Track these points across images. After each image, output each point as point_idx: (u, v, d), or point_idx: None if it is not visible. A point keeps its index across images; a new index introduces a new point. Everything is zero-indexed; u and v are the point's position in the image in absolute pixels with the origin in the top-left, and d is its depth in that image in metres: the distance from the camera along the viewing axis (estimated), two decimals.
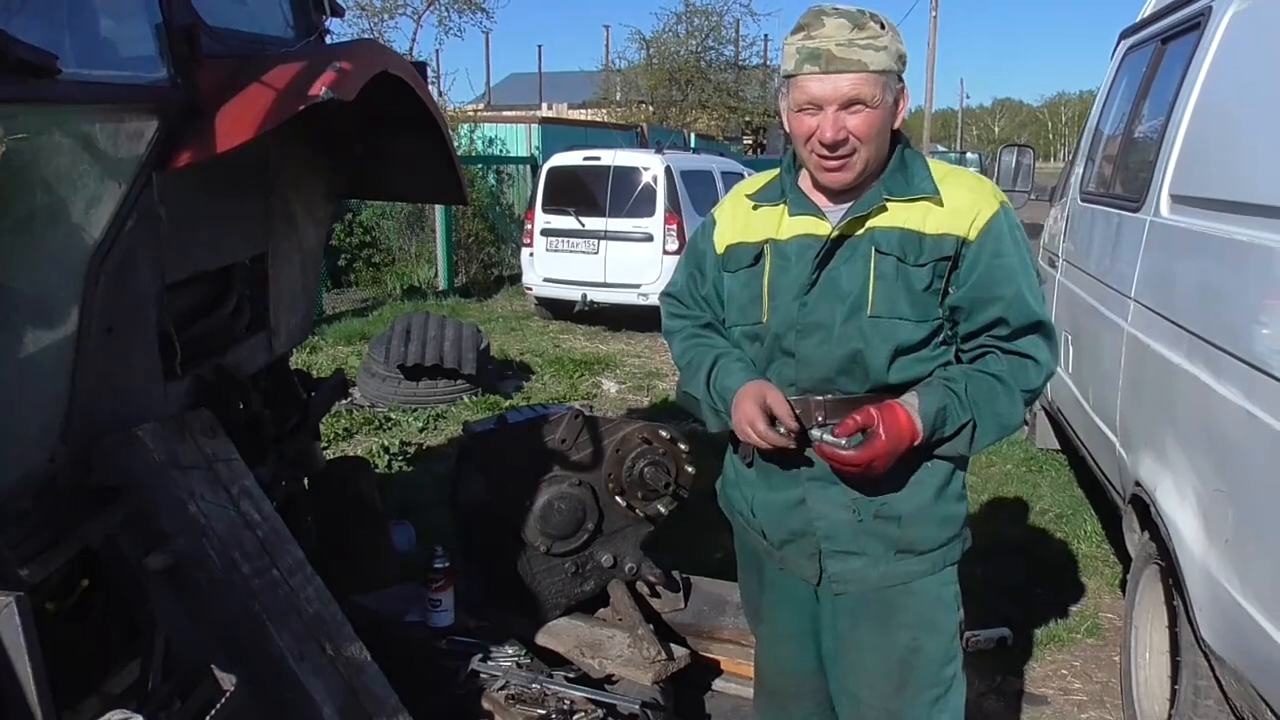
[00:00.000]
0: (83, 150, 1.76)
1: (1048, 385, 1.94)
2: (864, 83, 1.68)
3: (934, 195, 1.77)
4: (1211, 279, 2.59)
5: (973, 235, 1.75)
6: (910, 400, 1.75)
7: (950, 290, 1.78)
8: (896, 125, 1.79)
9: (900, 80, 1.75)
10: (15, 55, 1.43)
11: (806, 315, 1.80)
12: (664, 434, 2.91)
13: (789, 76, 1.74)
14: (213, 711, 1.75)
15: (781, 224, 1.87)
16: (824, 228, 1.81)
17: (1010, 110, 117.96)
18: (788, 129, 1.80)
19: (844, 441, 1.71)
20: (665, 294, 2.13)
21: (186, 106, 2.02)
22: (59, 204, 1.74)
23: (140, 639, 2.08)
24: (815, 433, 1.76)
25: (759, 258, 1.88)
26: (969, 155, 45.69)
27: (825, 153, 1.73)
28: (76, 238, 1.80)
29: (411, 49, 18.83)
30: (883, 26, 1.69)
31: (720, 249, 1.96)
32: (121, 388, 2.05)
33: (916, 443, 1.74)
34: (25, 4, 1.63)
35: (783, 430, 1.76)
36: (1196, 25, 3.23)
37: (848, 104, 1.69)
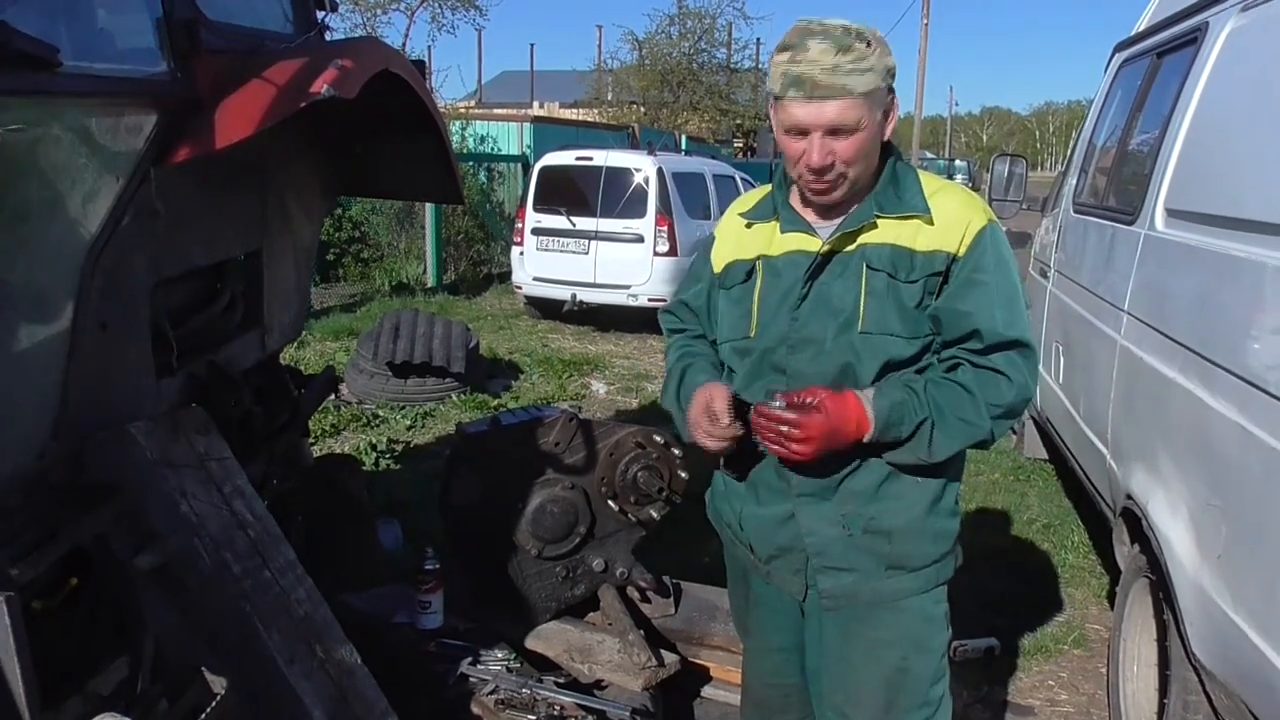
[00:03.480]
0: (81, 144, 1.74)
1: (1036, 397, 1.92)
2: (849, 108, 1.65)
3: (925, 213, 1.76)
4: (1206, 293, 2.59)
5: (962, 251, 1.75)
6: (865, 393, 1.73)
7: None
8: (887, 137, 1.78)
9: (890, 92, 1.72)
10: (16, 47, 1.41)
11: (798, 330, 1.80)
12: (658, 438, 2.90)
13: (775, 97, 1.71)
14: (203, 715, 1.73)
15: (773, 240, 1.87)
16: (815, 243, 1.81)
17: (999, 118, 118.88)
18: (778, 144, 1.80)
19: (780, 403, 1.69)
20: (665, 310, 2.14)
21: (186, 101, 2.00)
22: (56, 198, 1.72)
23: (126, 638, 2.06)
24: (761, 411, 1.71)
25: (751, 274, 1.88)
26: (957, 162, 46.03)
27: (812, 176, 1.73)
28: (73, 232, 1.78)
29: (404, 44, 18.77)
30: (869, 44, 1.65)
31: (718, 267, 1.97)
32: (114, 384, 2.03)
33: (867, 435, 1.71)
34: None
35: (724, 423, 1.75)
36: (1193, 40, 3.24)
37: (834, 129, 1.67)
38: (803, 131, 1.68)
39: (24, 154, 1.60)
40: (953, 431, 1.73)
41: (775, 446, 1.71)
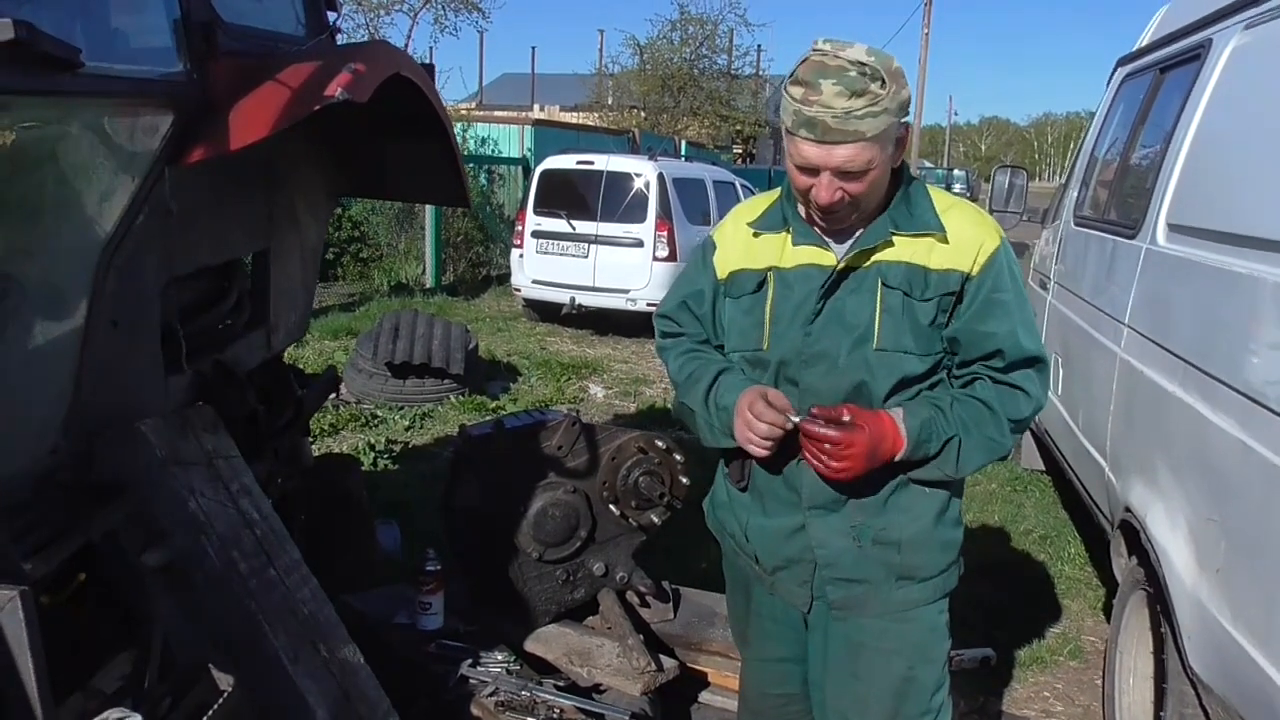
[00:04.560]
0: (99, 143, 1.76)
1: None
2: (860, 151, 1.64)
3: (939, 231, 1.77)
4: (1208, 309, 2.61)
5: (975, 270, 1.77)
6: (895, 411, 1.77)
7: (950, 322, 1.80)
8: (897, 165, 1.77)
9: (904, 121, 1.71)
10: (40, 48, 1.42)
11: (812, 345, 1.80)
12: (659, 443, 2.92)
13: (788, 131, 1.70)
14: (209, 712, 1.74)
15: (785, 252, 1.86)
16: (829, 258, 1.81)
17: (997, 128, 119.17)
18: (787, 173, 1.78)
19: (823, 421, 1.72)
20: (660, 314, 2.12)
21: (201, 102, 2.01)
22: (74, 196, 1.73)
23: (132, 634, 2.07)
24: (795, 418, 1.75)
25: (762, 284, 1.88)
26: (955, 172, 46.04)
27: (820, 212, 1.74)
28: (89, 230, 1.80)
29: (407, 45, 18.78)
30: (884, 84, 1.61)
31: (722, 274, 1.96)
32: (124, 381, 2.04)
33: (899, 454, 1.75)
34: None
35: (791, 421, 1.74)
36: (1196, 57, 3.27)
37: (843, 171, 1.67)
38: (812, 170, 1.68)
39: (44, 153, 1.61)
40: (978, 448, 1.77)
41: (818, 464, 1.74)
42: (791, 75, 1.68)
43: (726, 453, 1.98)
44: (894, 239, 1.77)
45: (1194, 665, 2.30)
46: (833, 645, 1.93)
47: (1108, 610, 3.72)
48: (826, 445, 1.70)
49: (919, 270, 1.77)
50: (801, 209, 1.86)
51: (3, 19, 1.35)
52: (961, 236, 1.78)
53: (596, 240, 9.79)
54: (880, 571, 1.86)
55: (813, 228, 1.84)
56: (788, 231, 1.87)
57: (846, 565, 1.86)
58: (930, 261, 1.77)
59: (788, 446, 1.80)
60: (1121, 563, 3.08)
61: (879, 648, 1.88)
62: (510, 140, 15.12)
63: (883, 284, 1.77)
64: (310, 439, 4.11)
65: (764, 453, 1.80)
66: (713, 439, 1.93)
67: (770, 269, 1.87)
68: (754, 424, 1.76)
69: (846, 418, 1.72)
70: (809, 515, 1.86)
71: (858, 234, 1.81)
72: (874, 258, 1.78)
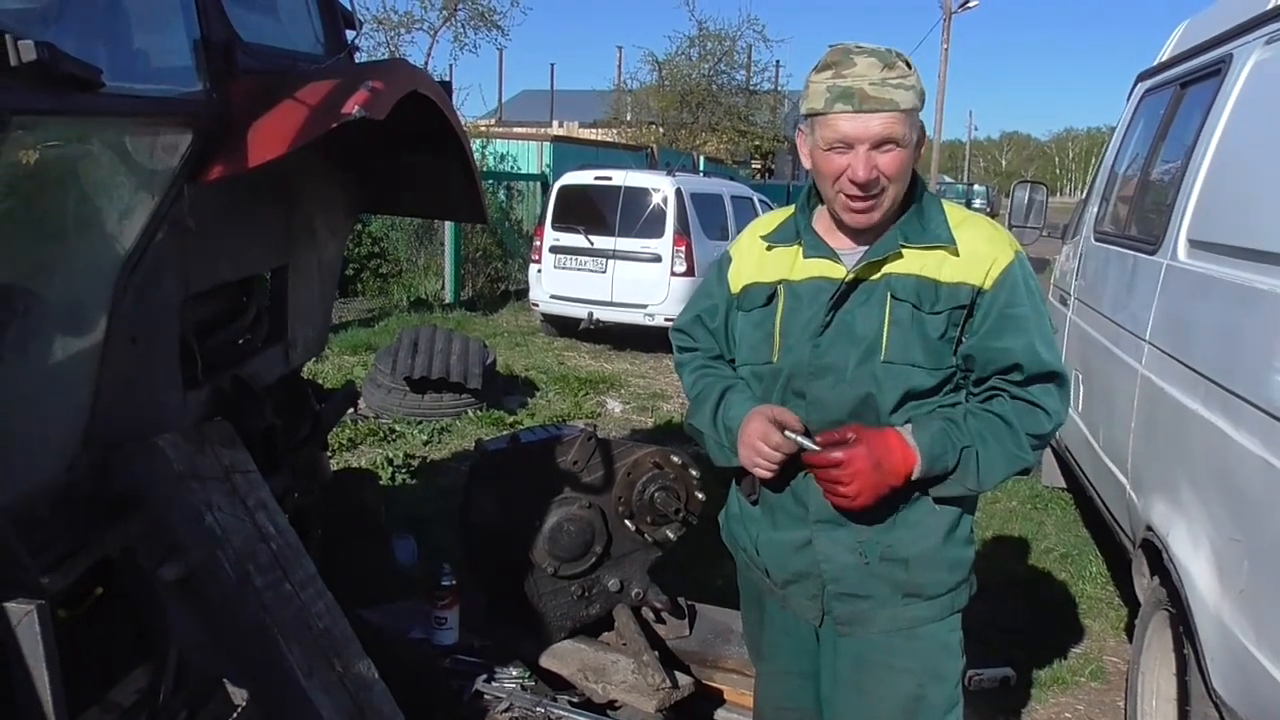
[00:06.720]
0: (119, 162, 1.78)
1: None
2: (895, 122, 1.67)
3: (950, 244, 1.76)
4: (1230, 325, 2.59)
5: (988, 284, 1.75)
6: (903, 428, 1.74)
7: (964, 338, 1.78)
8: (917, 161, 1.79)
9: (920, 116, 1.75)
10: (62, 69, 1.44)
11: (820, 357, 1.80)
12: (675, 459, 2.91)
13: (816, 114, 1.71)
14: None
15: (796, 265, 1.86)
16: (839, 270, 1.80)
17: (1018, 144, 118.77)
18: (810, 167, 1.79)
19: (820, 445, 1.72)
20: (676, 329, 2.12)
21: (220, 120, 2.03)
22: (94, 214, 1.75)
23: (146, 648, 2.07)
24: (802, 440, 1.74)
25: (772, 298, 1.88)
26: (976, 187, 45.93)
27: (856, 192, 1.71)
28: (108, 247, 1.82)
29: (427, 63, 18.92)
30: (909, 66, 1.70)
31: (735, 288, 1.96)
32: (141, 397, 2.05)
33: (915, 469, 1.72)
34: (71, 17, 1.64)
35: (795, 437, 1.74)
36: (1217, 71, 3.25)
37: (879, 143, 1.68)
38: (847, 146, 1.69)
39: (65, 171, 1.63)
40: (998, 459, 1.75)
41: (830, 496, 1.75)
42: (816, 67, 1.72)
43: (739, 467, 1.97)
44: (904, 251, 1.77)
45: (1217, 687, 2.27)
46: (841, 662, 1.91)
47: (1130, 630, 3.67)
48: (832, 471, 1.70)
49: (929, 283, 1.76)
50: (817, 218, 1.87)
51: (25, 40, 1.37)
52: (974, 250, 1.77)
53: (614, 255, 9.81)
54: (885, 588, 1.84)
55: (824, 239, 1.84)
56: (799, 244, 1.87)
57: (851, 581, 1.85)
58: (941, 274, 1.76)
59: (795, 461, 1.79)
60: (1143, 582, 3.05)
61: (886, 664, 1.86)
62: (529, 156, 15.20)
63: (891, 296, 1.76)
64: (328, 453, 4.13)
65: (768, 475, 1.81)
66: (722, 458, 1.92)
67: (781, 282, 1.87)
68: (761, 449, 1.77)
69: (851, 436, 1.71)
70: (815, 529, 1.85)
71: (867, 246, 1.80)
72: (883, 270, 1.77)
